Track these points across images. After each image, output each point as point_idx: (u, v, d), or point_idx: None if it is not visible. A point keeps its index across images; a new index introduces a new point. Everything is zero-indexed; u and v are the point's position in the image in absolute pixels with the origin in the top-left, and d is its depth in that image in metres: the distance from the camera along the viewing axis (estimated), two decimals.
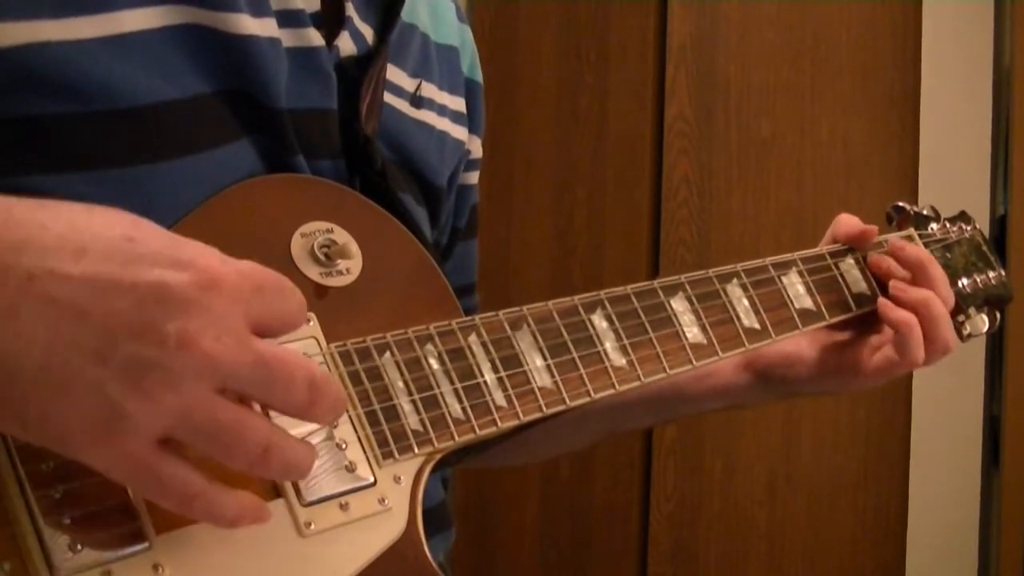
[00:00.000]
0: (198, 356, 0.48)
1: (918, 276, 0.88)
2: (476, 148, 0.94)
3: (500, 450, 0.91)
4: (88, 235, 0.49)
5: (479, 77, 0.94)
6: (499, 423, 0.68)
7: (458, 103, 0.90)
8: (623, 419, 0.97)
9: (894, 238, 0.92)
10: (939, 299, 0.87)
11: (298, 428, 0.60)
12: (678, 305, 0.79)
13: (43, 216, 0.49)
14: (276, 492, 0.60)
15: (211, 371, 0.48)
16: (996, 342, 1.96)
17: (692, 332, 0.79)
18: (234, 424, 0.50)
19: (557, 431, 0.96)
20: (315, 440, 0.62)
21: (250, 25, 0.67)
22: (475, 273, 0.96)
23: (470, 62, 0.94)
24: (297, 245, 0.67)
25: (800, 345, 0.90)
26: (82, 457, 0.49)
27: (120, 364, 0.47)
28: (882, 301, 0.87)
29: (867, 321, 0.89)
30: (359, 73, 0.75)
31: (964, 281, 0.97)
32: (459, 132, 0.89)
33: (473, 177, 0.94)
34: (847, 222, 0.92)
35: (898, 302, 0.87)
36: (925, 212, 1.00)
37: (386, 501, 0.63)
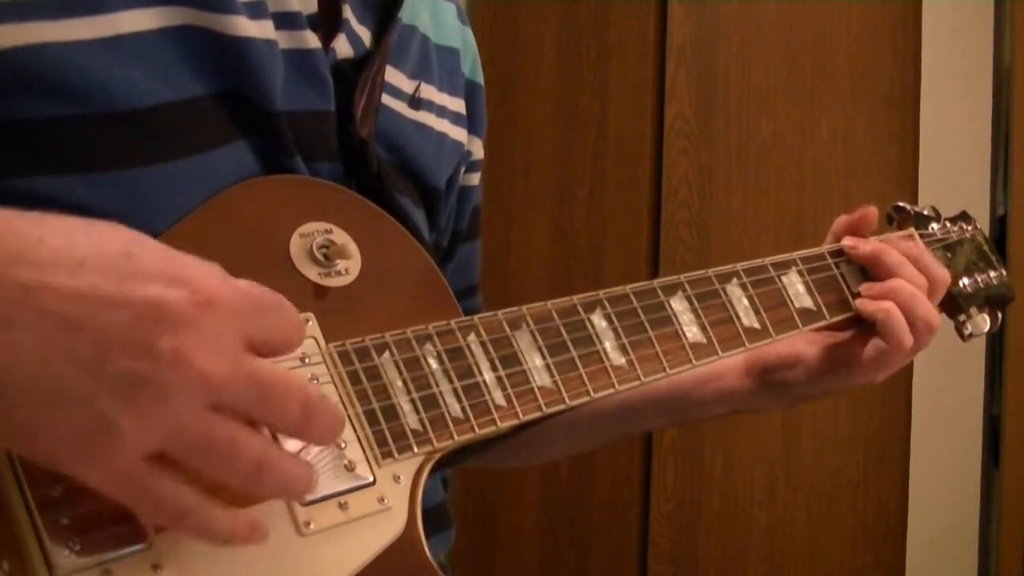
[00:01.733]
0: (191, 374, 0.48)
1: (876, 269, 0.89)
2: (477, 149, 0.94)
3: (503, 450, 0.91)
4: (86, 249, 0.48)
5: (480, 78, 0.94)
6: (498, 422, 0.68)
7: (458, 104, 0.90)
8: (635, 422, 0.97)
9: (854, 240, 0.92)
10: (905, 281, 0.87)
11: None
12: (677, 305, 0.79)
13: (41, 230, 0.49)
14: None
15: (204, 389, 0.48)
16: (996, 342, 1.96)
17: (692, 331, 0.79)
18: (227, 441, 0.50)
19: (571, 433, 0.96)
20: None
21: (247, 27, 0.67)
22: (478, 274, 0.96)
23: (471, 63, 0.93)
24: (296, 245, 0.67)
25: (799, 347, 0.90)
26: (72, 471, 0.49)
27: (112, 379, 0.47)
28: (858, 300, 0.88)
29: (866, 321, 0.89)
30: (355, 75, 0.75)
31: (965, 281, 0.97)
32: (458, 133, 0.89)
33: (474, 178, 0.94)
34: (841, 220, 0.93)
35: (872, 298, 0.88)
36: (926, 212, 0.99)
37: (385, 500, 0.63)
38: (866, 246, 0.90)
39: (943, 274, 0.91)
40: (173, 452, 0.49)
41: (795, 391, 0.91)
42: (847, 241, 0.90)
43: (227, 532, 0.52)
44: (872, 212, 0.91)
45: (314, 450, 0.61)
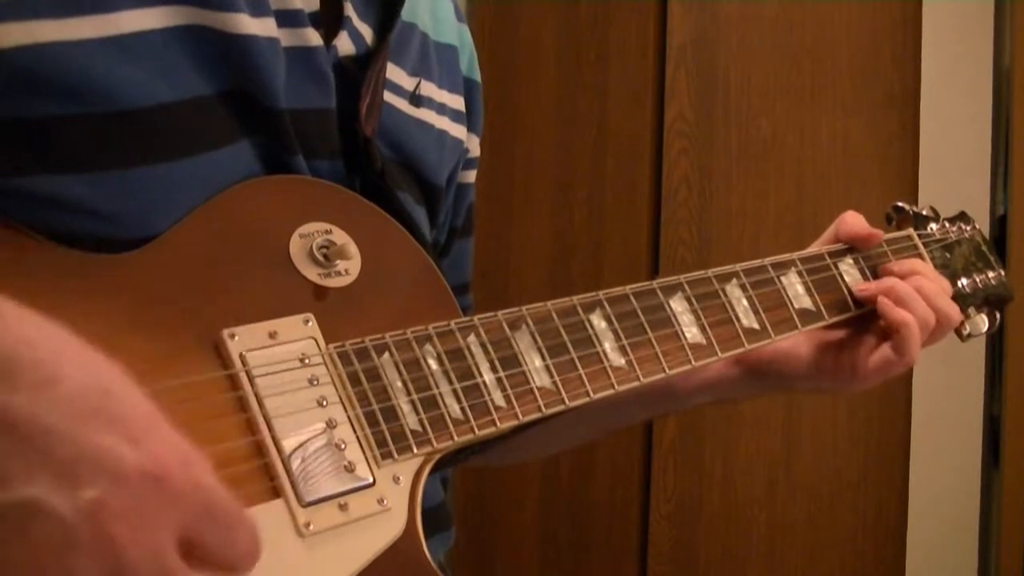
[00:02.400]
0: (101, 537, 0.43)
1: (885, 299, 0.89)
2: (474, 147, 0.94)
3: (500, 450, 0.91)
4: (67, 370, 0.45)
5: (477, 76, 0.94)
6: (498, 423, 0.68)
7: (457, 102, 0.90)
8: (617, 416, 0.97)
9: (896, 261, 0.93)
10: (920, 300, 0.88)
11: (299, 434, 0.61)
12: (677, 305, 0.79)
13: (34, 334, 0.46)
14: (275, 493, 0.60)
15: (107, 558, 0.43)
16: (996, 342, 1.96)
17: (691, 332, 0.79)
18: None
19: (553, 430, 0.96)
20: (313, 440, 0.62)
21: (249, 25, 0.67)
22: (470, 272, 0.96)
23: (468, 61, 0.94)
24: (296, 246, 0.67)
25: (798, 343, 0.90)
26: None
27: (18, 503, 0.43)
28: (882, 300, 0.88)
29: (864, 321, 0.89)
30: (358, 73, 0.75)
31: (964, 281, 0.97)
32: (458, 131, 0.89)
33: (471, 176, 0.94)
34: (852, 222, 0.92)
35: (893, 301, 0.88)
36: (925, 212, 1.00)
37: (385, 501, 0.63)
38: (909, 262, 0.91)
39: (952, 314, 0.91)
40: None
41: (788, 384, 0.91)
42: (859, 289, 0.90)
43: None
44: (878, 236, 0.92)
45: (311, 448, 0.61)
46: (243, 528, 0.48)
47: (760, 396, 0.95)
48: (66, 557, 0.43)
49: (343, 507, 0.61)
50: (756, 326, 0.83)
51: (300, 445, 0.61)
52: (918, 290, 0.88)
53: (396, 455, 0.64)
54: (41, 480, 0.43)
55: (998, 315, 0.99)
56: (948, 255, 0.97)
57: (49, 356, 0.45)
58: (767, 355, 0.90)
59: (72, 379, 0.45)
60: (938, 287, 0.89)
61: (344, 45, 0.75)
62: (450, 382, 0.67)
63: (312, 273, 0.67)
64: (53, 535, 0.43)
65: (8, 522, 0.43)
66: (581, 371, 0.73)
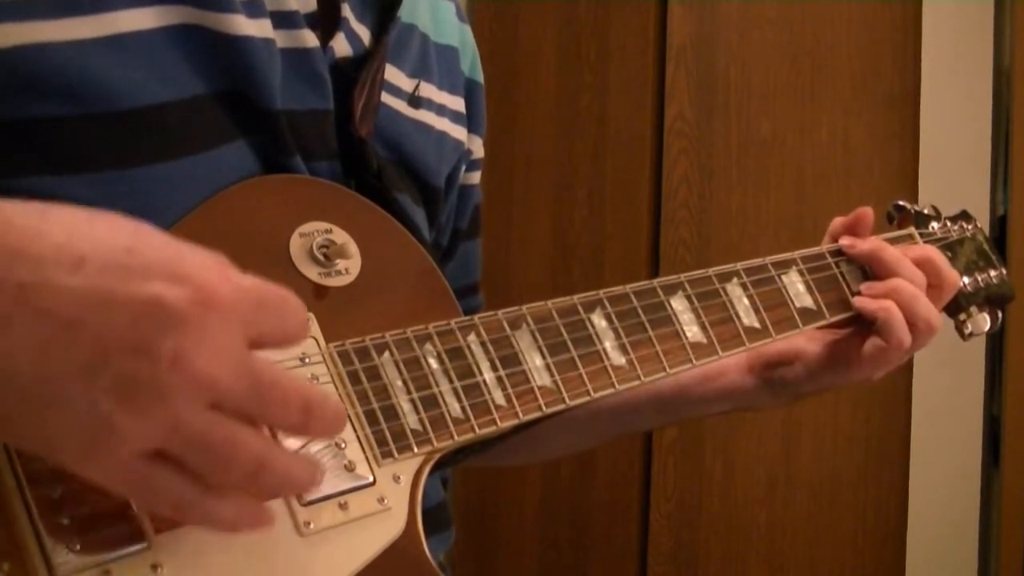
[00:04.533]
0: (191, 375, 0.47)
1: (875, 266, 0.89)
2: (477, 148, 0.94)
3: (503, 449, 0.91)
4: (87, 245, 0.47)
5: (480, 77, 0.94)
6: (498, 422, 0.68)
7: (457, 103, 0.90)
8: (633, 421, 0.97)
9: (852, 239, 0.92)
10: (907, 281, 0.87)
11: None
12: (678, 304, 0.79)
13: (42, 224, 0.48)
14: None
15: (204, 390, 0.48)
16: (996, 342, 1.96)
17: (692, 331, 0.79)
18: (226, 440, 0.49)
19: (568, 432, 0.96)
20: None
21: (245, 26, 0.67)
22: (479, 273, 0.96)
23: (470, 62, 0.94)
24: (296, 245, 0.67)
25: (799, 344, 0.90)
26: (73, 469, 0.48)
27: (111, 380, 0.46)
28: (857, 299, 0.88)
29: (867, 320, 0.89)
30: (354, 74, 0.75)
31: (965, 280, 0.97)
32: (458, 132, 0.89)
33: (475, 177, 0.94)
34: (839, 220, 0.93)
35: (873, 297, 0.87)
36: (926, 211, 0.99)
37: (385, 500, 0.63)
38: (864, 244, 0.90)
39: (953, 276, 0.90)
40: (173, 450, 0.48)
41: (794, 388, 0.91)
42: (845, 240, 0.90)
43: (231, 520, 0.51)
44: (868, 213, 0.91)
45: (313, 449, 0.61)
46: (289, 303, 0.52)
47: (777, 406, 0.95)
48: (172, 406, 0.47)
49: (343, 506, 0.61)
50: (757, 325, 0.83)
51: (300, 444, 0.61)
52: (900, 288, 0.87)
53: (396, 454, 0.64)
54: (117, 355, 0.46)
55: (1000, 314, 0.99)
56: (950, 254, 0.97)
57: (63, 239, 0.47)
58: (772, 361, 0.90)
59: (93, 251, 0.47)
60: (927, 299, 0.88)
61: (341, 47, 0.75)
62: (450, 381, 0.67)
63: (312, 272, 0.67)
64: (153, 395, 0.46)
65: (111, 400, 0.46)
66: (581, 370, 0.73)
